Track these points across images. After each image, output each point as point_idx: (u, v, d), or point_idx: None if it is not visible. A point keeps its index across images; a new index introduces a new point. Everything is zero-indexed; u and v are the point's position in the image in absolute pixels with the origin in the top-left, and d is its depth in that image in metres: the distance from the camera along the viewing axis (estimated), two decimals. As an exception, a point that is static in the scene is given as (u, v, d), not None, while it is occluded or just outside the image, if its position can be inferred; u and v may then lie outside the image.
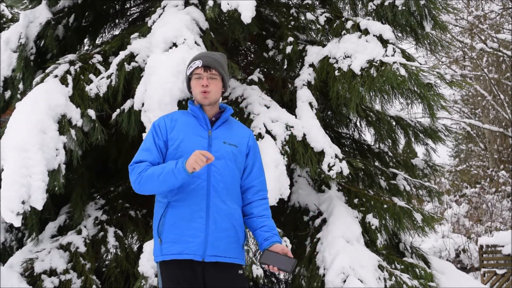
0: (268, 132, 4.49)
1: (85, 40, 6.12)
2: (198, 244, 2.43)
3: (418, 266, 4.85)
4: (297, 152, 4.48)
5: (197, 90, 2.58)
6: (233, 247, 2.51)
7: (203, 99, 2.57)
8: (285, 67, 5.64)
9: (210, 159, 2.35)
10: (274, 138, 4.45)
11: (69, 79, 4.56)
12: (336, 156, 4.52)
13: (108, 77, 4.58)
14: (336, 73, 4.87)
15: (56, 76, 4.54)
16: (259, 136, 4.42)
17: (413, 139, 6.23)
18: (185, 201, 2.48)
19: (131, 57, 4.60)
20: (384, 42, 4.81)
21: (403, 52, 4.75)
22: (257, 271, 4.22)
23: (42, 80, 4.53)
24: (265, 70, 5.68)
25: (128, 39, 4.84)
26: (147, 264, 4.13)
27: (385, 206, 4.97)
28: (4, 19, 5.81)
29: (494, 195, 13.93)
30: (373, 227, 4.84)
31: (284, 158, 4.34)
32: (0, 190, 3.75)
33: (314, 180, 5.39)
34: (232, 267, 2.51)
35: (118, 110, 4.53)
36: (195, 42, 4.43)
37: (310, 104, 4.89)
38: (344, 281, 4.23)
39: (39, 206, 3.78)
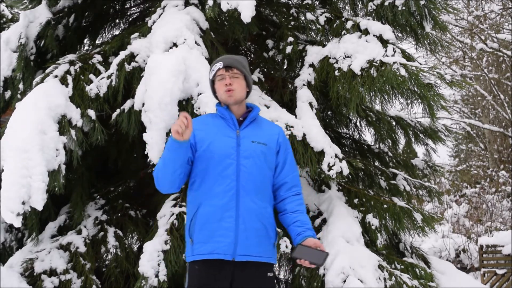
0: (268, 132, 4.49)
1: (85, 40, 6.12)
2: (228, 244, 2.46)
3: (418, 266, 4.85)
4: (297, 152, 4.48)
5: (221, 90, 2.63)
6: (264, 246, 2.54)
7: (228, 98, 2.61)
8: (285, 67, 5.64)
9: (188, 119, 2.37)
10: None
11: (69, 79, 4.56)
12: (336, 156, 4.52)
13: (108, 77, 4.58)
14: (336, 73, 4.87)
15: (56, 76, 4.54)
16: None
17: (413, 139, 6.23)
18: (215, 201, 2.51)
19: (131, 57, 4.60)
20: (384, 42, 4.81)
21: (403, 52, 4.75)
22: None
23: (42, 80, 4.53)
24: (265, 70, 5.68)
25: (128, 39, 4.84)
26: (147, 264, 4.13)
27: (385, 206, 4.97)
28: (4, 19, 5.81)
29: (494, 195, 13.93)
30: (373, 227, 4.84)
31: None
32: (0, 190, 3.75)
33: (314, 180, 5.39)
34: (262, 267, 2.53)
35: (118, 110, 4.53)
36: (195, 42, 4.43)
37: (310, 104, 4.89)
38: (344, 281, 4.23)
39: (39, 207, 3.78)
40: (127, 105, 4.52)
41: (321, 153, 4.51)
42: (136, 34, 4.82)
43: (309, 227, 2.59)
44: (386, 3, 5.08)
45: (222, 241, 2.46)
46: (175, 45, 4.39)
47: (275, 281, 2.67)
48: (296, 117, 4.74)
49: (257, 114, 2.71)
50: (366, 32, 4.93)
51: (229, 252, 2.46)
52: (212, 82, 2.72)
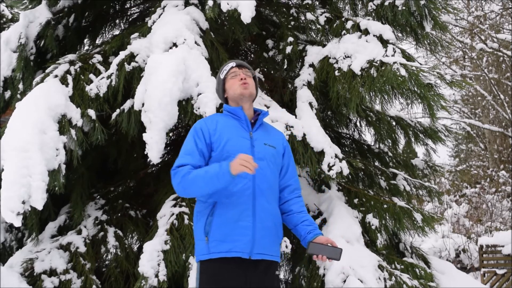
0: (268, 132, 4.49)
1: (85, 40, 6.12)
2: (246, 243, 2.50)
3: (418, 266, 4.85)
4: (297, 152, 4.48)
5: (236, 85, 2.69)
6: (275, 245, 2.62)
7: (244, 90, 2.67)
8: (285, 67, 5.64)
9: (255, 166, 2.39)
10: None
11: (69, 79, 4.56)
12: (336, 156, 4.52)
13: (108, 77, 4.58)
14: (336, 73, 4.87)
15: (56, 76, 4.54)
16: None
17: (413, 139, 6.23)
18: (232, 200, 2.54)
19: (131, 57, 4.59)
20: (384, 42, 4.81)
21: (403, 52, 4.75)
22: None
23: (42, 80, 4.53)
24: (265, 70, 5.68)
25: (128, 39, 4.84)
26: (147, 264, 4.13)
27: (385, 206, 4.97)
28: (4, 19, 5.81)
29: (494, 195, 13.93)
30: (373, 227, 4.84)
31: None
32: (0, 190, 3.75)
33: (314, 180, 5.39)
34: (272, 266, 2.59)
35: (118, 110, 4.53)
36: (195, 42, 4.43)
37: (310, 104, 4.89)
38: (344, 281, 4.23)
39: (39, 206, 3.78)
40: (127, 105, 4.52)
41: (321, 153, 4.52)
42: (136, 34, 4.82)
43: (316, 226, 2.66)
44: (386, 3, 5.08)
45: (241, 239, 2.50)
46: (175, 45, 4.39)
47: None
48: (296, 117, 4.74)
49: (265, 117, 2.78)
50: (366, 32, 4.93)
51: (247, 251, 2.50)
52: (223, 82, 2.76)
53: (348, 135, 6.52)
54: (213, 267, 2.52)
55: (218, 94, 2.84)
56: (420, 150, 43.33)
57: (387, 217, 4.93)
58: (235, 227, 2.51)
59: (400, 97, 5.00)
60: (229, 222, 2.51)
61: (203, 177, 2.46)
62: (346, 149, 6.36)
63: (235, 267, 2.50)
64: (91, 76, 4.66)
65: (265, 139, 2.68)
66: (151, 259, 4.15)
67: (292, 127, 4.56)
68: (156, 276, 4.09)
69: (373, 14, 5.25)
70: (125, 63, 4.56)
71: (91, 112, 4.48)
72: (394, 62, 4.51)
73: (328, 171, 4.44)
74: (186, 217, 4.43)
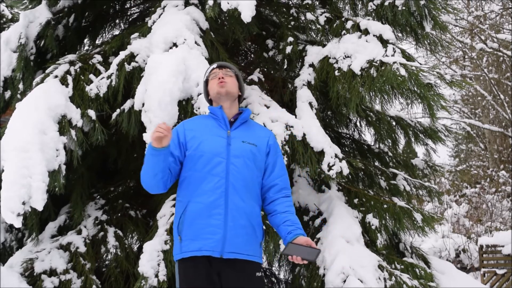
0: (268, 132, 4.49)
1: (85, 40, 6.12)
2: (217, 241, 2.47)
3: (418, 266, 4.85)
4: (297, 152, 4.48)
5: (214, 84, 2.71)
6: (251, 245, 2.55)
7: (220, 89, 2.67)
8: (285, 67, 5.64)
9: (166, 129, 2.43)
10: (274, 138, 4.44)
11: (69, 79, 4.56)
12: (336, 156, 4.52)
13: (108, 77, 4.58)
14: (336, 73, 4.87)
15: (56, 76, 4.54)
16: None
17: (413, 139, 6.23)
18: (203, 199, 2.53)
19: (131, 57, 4.60)
20: (384, 42, 4.81)
21: (403, 52, 4.75)
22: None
23: (42, 80, 4.53)
24: (265, 70, 5.68)
25: (128, 39, 4.84)
26: (147, 264, 4.13)
27: (385, 206, 4.97)
28: (4, 19, 5.81)
29: (494, 195, 13.93)
30: (373, 227, 4.84)
31: (284, 158, 4.34)
32: (0, 190, 3.75)
33: (314, 180, 5.39)
34: (249, 266, 2.53)
35: (118, 110, 4.53)
36: (195, 42, 4.43)
37: (310, 104, 4.89)
38: (344, 281, 4.23)
39: (40, 207, 3.78)
40: (127, 105, 4.52)
41: (321, 153, 4.51)
42: (136, 34, 4.82)
43: (299, 226, 2.58)
44: (386, 3, 5.08)
45: (210, 238, 2.47)
46: (175, 45, 4.39)
47: (265, 280, 2.66)
48: (296, 117, 4.74)
49: (248, 116, 2.74)
50: (366, 32, 4.93)
51: (217, 249, 2.46)
52: (206, 84, 2.80)
53: (348, 135, 6.52)
54: (185, 266, 2.52)
55: (204, 96, 2.86)
56: (420, 150, 43.36)
57: (387, 217, 4.93)
58: (205, 225, 2.48)
59: (400, 97, 5.00)
60: (200, 220, 2.50)
61: (144, 163, 2.56)
62: (346, 149, 6.36)
63: (207, 266, 2.48)
64: (91, 76, 4.66)
65: (245, 137, 2.64)
66: (151, 259, 4.15)
67: (292, 127, 4.56)
68: (156, 276, 4.09)
69: (373, 14, 5.25)
70: (125, 63, 4.56)
71: (91, 112, 4.48)
72: (394, 62, 4.51)
73: (328, 171, 4.44)
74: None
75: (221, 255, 2.46)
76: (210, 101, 2.82)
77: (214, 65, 2.77)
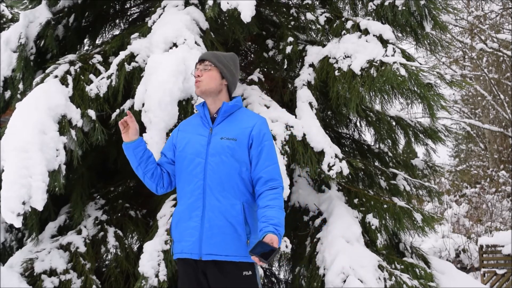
0: (268, 132, 4.49)
1: (85, 40, 6.12)
2: (193, 243, 2.47)
3: (418, 266, 4.85)
4: (297, 152, 4.48)
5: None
6: (232, 244, 2.46)
7: (196, 89, 2.63)
8: (285, 67, 5.64)
9: (125, 119, 2.57)
10: (274, 138, 4.44)
11: (69, 79, 4.56)
12: (336, 156, 4.52)
13: (108, 77, 4.58)
14: (336, 73, 4.87)
15: (56, 76, 4.54)
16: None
17: (413, 139, 6.23)
18: (184, 201, 2.55)
19: (131, 57, 4.59)
20: (384, 42, 4.81)
21: (403, 52, 4.75)
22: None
23: (42, 80, 4.53)
24: (265, 70, 5.67)
25: (128, 39, 4.84)
26: (147, 264, 4.13)
27: (385, 206, 4.97)
28: (4, 19, 5.81)
29: (494, 195, 13.93)
30: (373, 227, 4.84)
31: (284, 158, 4.34)
32: (0, 190, 3.75)
33: (314, 180, 5.39)
34: (233, 267, 2.47)
35: (118, 110, 4.53)
36: (195, 42, 4.43)
37: (310, 104, 4.89)
38: (344, 281, 4.23)
39: (40, 207, 3.78)
40: (127, 105, 4.52)
41: (321, 153, 4.52)
42: (136, 34, 4.82)
43: (273, 222, 2.39)
44: (386, 3, 5.08)
45: (189, 240, 2.48)
46: (175, 45, 4.39)
47: (259, 278, 2.61)
48: (296, 117, 4.74)
49: (230, 107, 2.61)
50: (366, 32, 4.93)
51: (195, 251, 2.47)
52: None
53: (348, 135, 6.52)
54: (179, 266, 2.60)
55: None
56: (420, 150, 43.30)
57: (387, 217, 4.93)
58: (186, 227, 2.50)
59: (400, 97, 5.00)
60: (182, 222, 2.53)
61: None
62: (346, 149, 6.36)
63: (192, 268, 2.50)
64: (91, 76, 4.66)
65: (224, 133, 2.54)
66: (151, 259, 4.15)
67: (292, 127, 4.56)
68: (156, 276, 4.09)
69: (373, 14, 5.25)
70: (125, 63, 4.56)
71: (91, 113, 4.48)
72: (394, 62, 4.51)
73: (328, 171, 4.44)
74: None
75: (200, 257, 2.46)
76: None
77: (197, 60, 2.68)
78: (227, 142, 2.53)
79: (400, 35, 5.56)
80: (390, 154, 6.24)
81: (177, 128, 2.74)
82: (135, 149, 2.58)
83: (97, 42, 6.14)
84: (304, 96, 4.92)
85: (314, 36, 5.71)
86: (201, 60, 2.64)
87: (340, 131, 6.50)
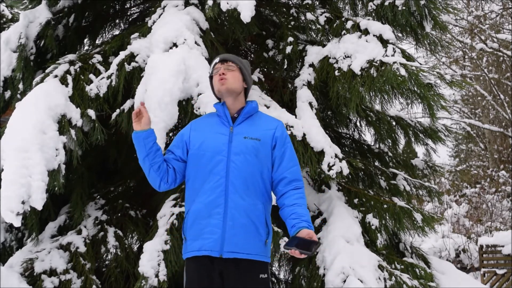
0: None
1: (85, 40, 6.12)
2: (215, 240, 2.46)
3: (418, 266, 4.85)
4: (297, 152, 4.47)
5: (216, 81, 2.65)
6: (254, 244, 2.50)
7: (221, 86, 2.62)
8: (285, 67, 5.64)
9: (136, 111, 2.54)
10: (274, 138, 4.44)
11: (69, 79, 4.56)
12: (336, 156, 4.52)
13: (108, 77, 4.58)
14: (336, 73, 4.87)
15: (56, 76, 4.54)
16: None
17: (413, 139, 6.23)
18: (204, 198, 2.53)
19: (131, 57, 4.60)
20: (384, 42, 4.81)
21: (403, 52, 4.75)
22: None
23: (42, 80, 4.53)
24: (265, 70, 5.68)
25: (128, 39, 4.84)
26: (147, 264, 4.13)
27: (385, 206, 4.97)
28: (4, 19, 5.81)
29: (494, 195, 13.93)
30: (373, 227, 4.84)
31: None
32: (0, 190, 3.75)
33: (314, 180, 5.39)
34: (253, 266, 2.49)
35: (118, 110, 4.53)
36: (195, 42, 4.43)
37: (310, 104, 4.89)
38: (344, 281, 4.23)
39: (39, 206, 3.78)
40: (127, 105, 4.52)
41: (321, 153, 4.51)
42: (136, 34, 4.82)
43: (305, 219, 2.49)
44: (386, 3, 5.08)
45: (210, 237, 2.47)
46: (175, 45, 4.39)
47: (270, 282, 2.61)
48: (296, 117, 4.74)
49: (252, 109, 2.67)
50: (366, 32, 4.93)
51: (216, 249, 2.45)
52: (211, 79, 2.75)
53: (348, 135, 6.52)
54: (189, 265, 2.54)
55: (212, 92, 2.81)
56: (420, 150, 43.35)
57: (387, 217, 4.93)
58: (206, 225, 2.49)
59: (400, 97, 5.00)
60: (201, 220, 2.50)
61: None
62: (346, 149, 6.36)
63: (208, 266, 2.48)
64: (91, 76, 4.66)
65: (247, 132, 2.58)
66: (151, 259, 4.15)
67: (292, 127, 4.56)
68: (156, 276, 4.09)
69: (373, 14, 5.25)
70: (125, 63, 4.56)
71: (91, 112, 4.48)
72: (394, 62, 4.51)
73: (328, 171, 4.44)
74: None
75: (221, 254, 2.45)
76: (217, 97, 2.79)
77: (217, 59, 2.69)
78: (252, 142, 2.56)
79: (400, 35, 5.56)
80: (390, 154, 6.24)
81: (188, 127, 2.71)
82: (145, 139, 2.55)
83: (97, 42, 6.14)
84: (304, 96, 4.92)
85: (314, 36, 5.72)
86: (223, 61, 2.67)
87: (340, 131, 6.50)
